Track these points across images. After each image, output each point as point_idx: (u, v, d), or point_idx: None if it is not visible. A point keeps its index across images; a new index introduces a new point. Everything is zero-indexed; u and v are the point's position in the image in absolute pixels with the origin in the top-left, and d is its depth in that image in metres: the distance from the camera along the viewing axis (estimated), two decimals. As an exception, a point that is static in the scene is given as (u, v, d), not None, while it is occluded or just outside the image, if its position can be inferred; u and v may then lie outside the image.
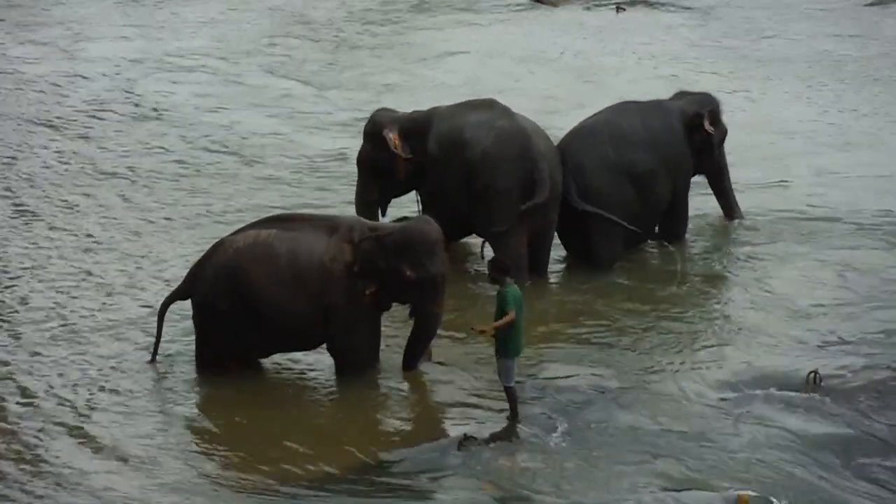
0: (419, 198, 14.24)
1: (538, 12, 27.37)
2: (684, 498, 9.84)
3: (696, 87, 16.39)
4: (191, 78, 22.09)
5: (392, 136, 13.88)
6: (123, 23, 26.16)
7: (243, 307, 11.31)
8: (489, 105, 13.92)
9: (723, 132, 14.96)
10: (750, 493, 9.74)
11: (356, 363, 11.55)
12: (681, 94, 15.13)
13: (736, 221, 15.24)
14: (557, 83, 21.51)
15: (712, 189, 15.23)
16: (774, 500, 9.76)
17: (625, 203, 14.00)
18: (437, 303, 11.54)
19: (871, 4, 27.57)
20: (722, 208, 15.32)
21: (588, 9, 27.77)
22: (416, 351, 11.70)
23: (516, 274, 11.65)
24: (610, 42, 24.78)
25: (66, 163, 17.62)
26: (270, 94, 21.17)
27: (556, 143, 14.11)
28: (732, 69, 22.59)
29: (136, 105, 20.33)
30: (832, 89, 21.42)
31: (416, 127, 13.94)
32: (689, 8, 27.52)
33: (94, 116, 19.78)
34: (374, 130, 14.13)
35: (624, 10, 27.53)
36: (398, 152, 13.83)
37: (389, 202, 14.45)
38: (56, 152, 18.03)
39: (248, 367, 11.65)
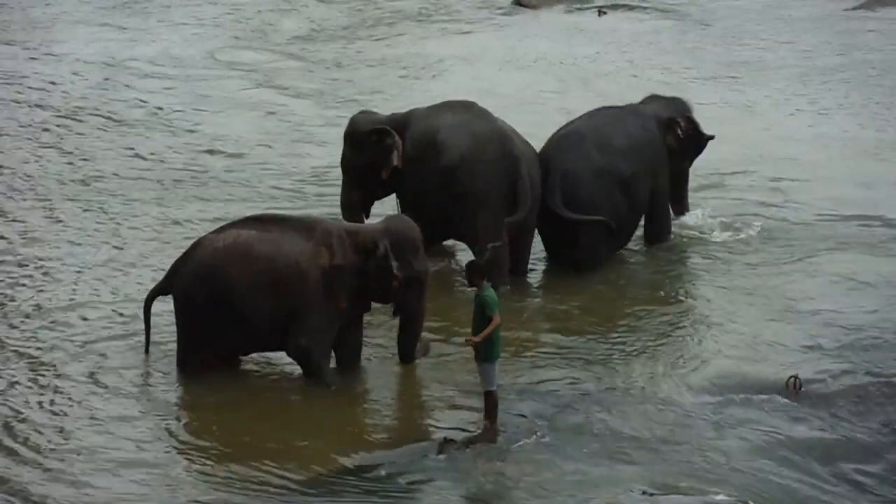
0: (398, 199, 14.21)
1: (521, 17, 27.27)
2: (666, 502, 9.83)
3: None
4: (169, 85, 21.84)
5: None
6: (106, 26, 26.06)
7: (221, 305, 11.31)
8: (467, 107, 13.89)
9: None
10: None
11: (316, 367, 11.47)
12: (652, 98, 15.21)
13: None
14: (567, 93, 21.15)
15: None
16: (753, 504, 9.80)
17: (613, 208, 14.03)
18: (422, 301, 11.56)
19: (854, 9, 27.62)
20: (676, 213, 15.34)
21: (570, 12, 27.71)
22: (408, 347, 11.70)
23: (498, 278, 11.61)
24: (603, 48, 24.67)
25: (49, 167, 17.53)
26: (264, 106, 20.74)
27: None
28: (728, 75, 22.60)
29: (114, 111, 20.10)
30: (822, 95, 21.39)
31: (396, 129, 13.89)
32: (668, 12, 27.50)
33: (78, 121, 19.67)
34: (354, 133, 14.10)
35: (605, 13, 27.54)
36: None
37: (373, 204, 14.42)
38: (40, 157, 17.95)
39: (227, 366, 11.64)
